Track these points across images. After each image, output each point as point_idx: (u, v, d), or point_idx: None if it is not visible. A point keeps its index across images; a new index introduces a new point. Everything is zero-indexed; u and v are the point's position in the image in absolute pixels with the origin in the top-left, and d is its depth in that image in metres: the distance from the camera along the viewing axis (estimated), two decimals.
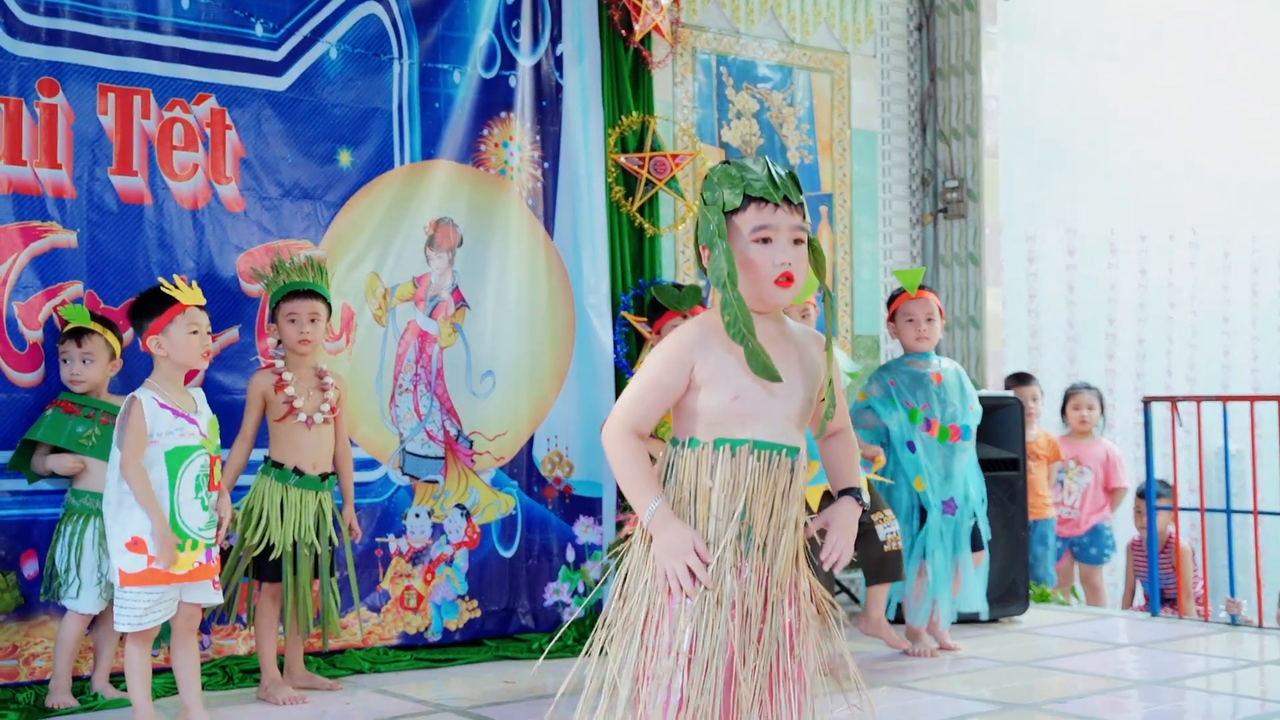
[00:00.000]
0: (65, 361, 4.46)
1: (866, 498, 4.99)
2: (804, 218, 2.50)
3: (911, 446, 5.23)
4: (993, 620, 5.99)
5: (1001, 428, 6.12)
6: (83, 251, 4.67)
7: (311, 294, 4.65)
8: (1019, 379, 7.03)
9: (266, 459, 4.61)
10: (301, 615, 4.58)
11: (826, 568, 2.52)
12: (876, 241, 6.94)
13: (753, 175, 2.46)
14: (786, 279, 2.47)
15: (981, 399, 6.07)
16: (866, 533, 5.03)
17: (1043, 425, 7.16)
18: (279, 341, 4.68)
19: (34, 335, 4.58)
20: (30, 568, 4.52)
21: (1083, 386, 7.27)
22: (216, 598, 4.08)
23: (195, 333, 3.99)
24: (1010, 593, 6.06)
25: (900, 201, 7.09)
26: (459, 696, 4.62)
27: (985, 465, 5.97)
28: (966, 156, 7.08)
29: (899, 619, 5.52)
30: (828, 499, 4.58)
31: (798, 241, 2.49)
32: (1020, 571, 6.07)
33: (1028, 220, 7.82)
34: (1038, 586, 6.68)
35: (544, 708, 4.36)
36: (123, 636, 4.06)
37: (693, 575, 2.39)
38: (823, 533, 2.55)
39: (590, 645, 2.47)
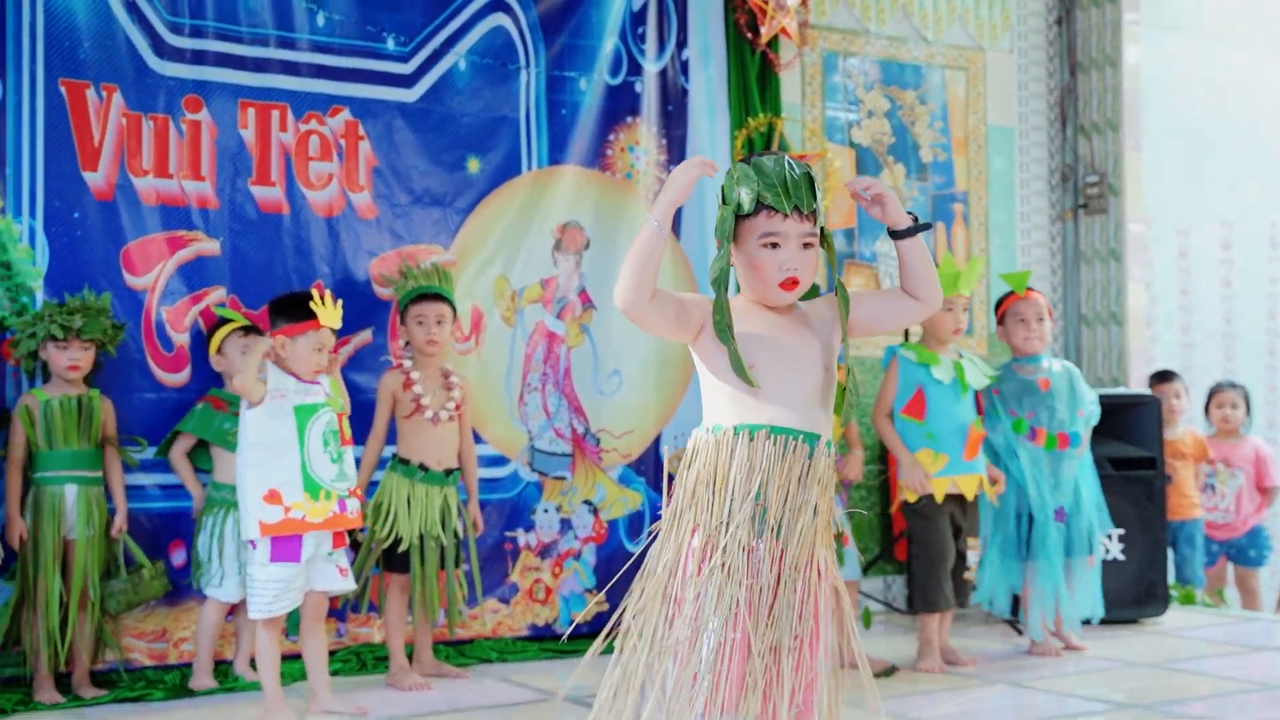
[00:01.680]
0: (223, 355, 4.72)
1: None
2: (815, 223, 2.57)
3: (1015, 455, 5.18)
4: (1131, 621, 5.90)
5: (1138, 426, 6.02)
6: (225, 259, 4.94)
7: (438, 297, 4.85)
8: (1161, 377, 6.88)
9: (394, 456, 4.83)
10: (429, 605, 4.78)
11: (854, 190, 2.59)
12: (1014, 238, 6.88)
13: (767, 181, 2.53)
14: (792, 282, 2.56)
15: (1117, 397, 6.00)
16: (928, 558, 4.99)
17: (1190, 424, 7.00)
18: (407, 343, 4.89)
19: (181, 338, 4.86)
20: (178, 556, 4.80)
21: (1226, 385, 7.08)
22: (345, 585, 4.28)
23: (319, 350, 4.21)
24: (1148, 594, 5.95)
25: (1039, 198, 7.01)
26: (579, 686, 4.75)
27: (1121, 464, 5.90)
28: (1108, 150, 6.97)
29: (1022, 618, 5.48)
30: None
31: (807, 246, 2.57)
32: (1159, 572, 5.96)
33: (1178, 214, 7.64)
34: (1183, 588, 6.54)
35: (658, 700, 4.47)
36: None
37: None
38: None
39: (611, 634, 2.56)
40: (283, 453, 4.12)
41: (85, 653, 4.52)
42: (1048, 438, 5.20)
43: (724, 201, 2.61)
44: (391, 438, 4.86)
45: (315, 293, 4.22)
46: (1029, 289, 5.31)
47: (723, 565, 2.47)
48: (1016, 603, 5.45)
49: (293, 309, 4.23)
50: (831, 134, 6.35)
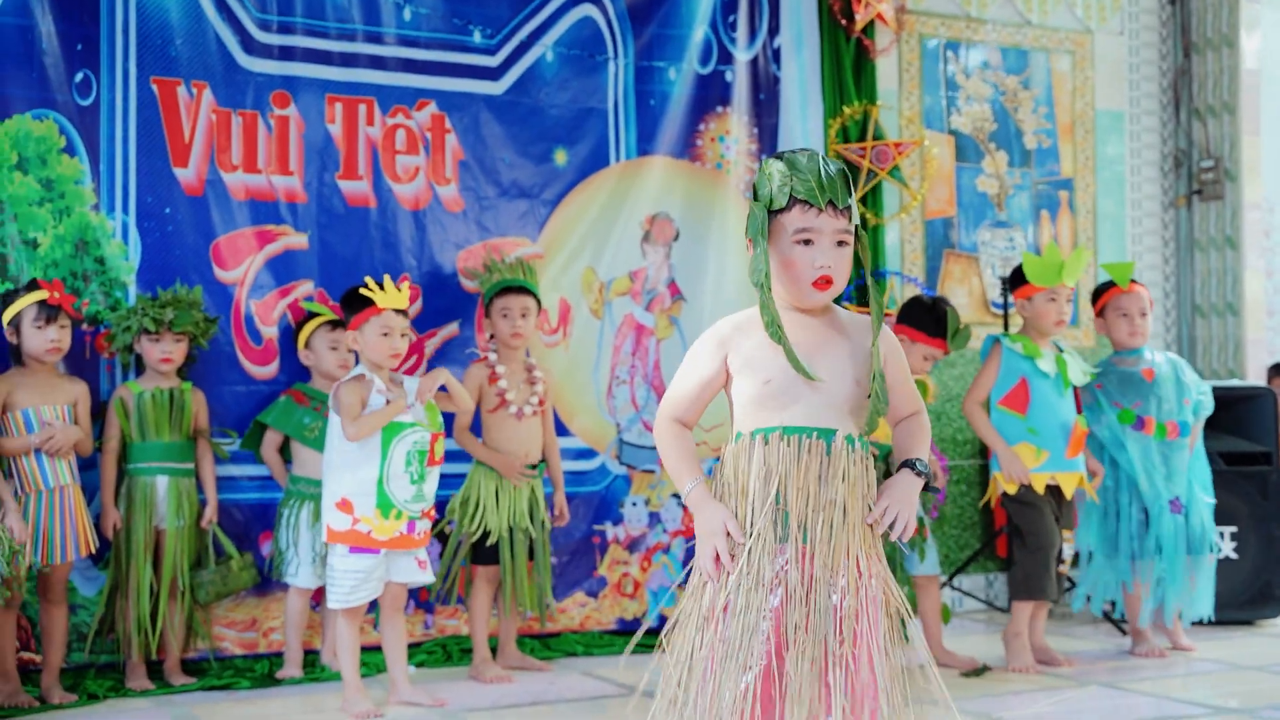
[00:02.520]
0: (310, 350, 4.77)
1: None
2: (850, 219, 2.48)
3: (1123, 448, 5.01)
4: (1244, 623, 5.69)
5: (1252, 420, 5.80)
6: (313, 252, 4.99)
7: (523, 290, 4.85)
8: (1278, 369, 6.62)
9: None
10: (519, 597, 4.79)
11: (878, 533, 2.49)
12: (1123, 226, 6.67)
13: (801, 176, 2.45)
14: (825, 281, 2.47)
15: (1230, 389, 5.79)
16: (1036, 545, 4.84)
17: None
18: (492, 336, 4.90)
19: (269, 331, 4.92)
20: (268, 548, 4.86)
21: None
22: (423, 577, 4.29)
23: (386, 335, 4.21)
24: (1263, 594, 5.72)
25: (1150, 184, 6.78)
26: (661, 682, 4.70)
27: (1234, 459, 5.69)
28: (1224, 134, 6.72)
29: (1124, 617, 5.31)
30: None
31: (841, 244, 2.48)
32: (1274, 572, 5.72)
33: None
34: None
35: None
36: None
37: (719, 558, 2.42)
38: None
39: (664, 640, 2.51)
40: (361, 465, 4.14)
41: (176, 641, 4.60)
42: (1157, 426, 5.01)
43: (755, 198, 2.53)
44: (476, 430, 4.86)
45: (369, 280, 4.24)
46: (1133, 281, 5.14)
47: (748, 571, 2.41)
48: (1117, 602, 5.28)
49: (353, 301, 4.27)
50: (930, 121, 6.21)
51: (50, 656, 4.39)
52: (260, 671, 4.72)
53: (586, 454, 5.37)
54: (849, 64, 5.89)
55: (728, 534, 2.43)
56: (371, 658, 4.69)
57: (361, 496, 4.14)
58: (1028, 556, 4.83)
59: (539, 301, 4.94)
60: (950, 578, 5.94)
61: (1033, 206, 6.42)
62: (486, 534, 4.75)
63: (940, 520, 6.01)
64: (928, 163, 6.05)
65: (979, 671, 4.69)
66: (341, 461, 4.16)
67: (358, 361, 4.38)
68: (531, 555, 4.83)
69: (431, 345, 5.14)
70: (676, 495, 5.49)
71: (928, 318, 4.91)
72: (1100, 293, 5.19)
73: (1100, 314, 5.18)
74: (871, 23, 5.91)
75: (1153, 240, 6.78)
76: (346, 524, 4.12)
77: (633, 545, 5.43)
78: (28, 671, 4.45)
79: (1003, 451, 4.79)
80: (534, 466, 4.85)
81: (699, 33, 5.61)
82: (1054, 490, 4.85)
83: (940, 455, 5.81)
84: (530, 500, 4.84)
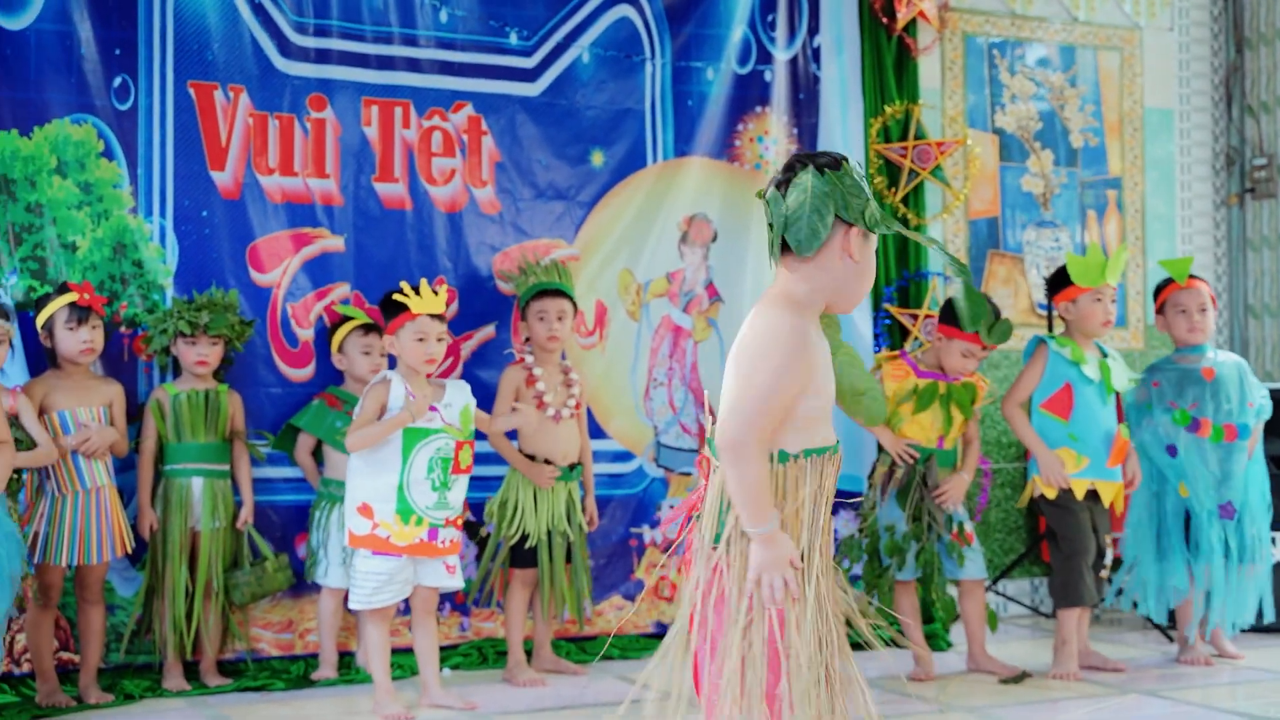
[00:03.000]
0: (343, 354, 4.78)
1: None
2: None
3: (1172, 450, 4.91)
4: None
5: None
6: (350, 255, 5.00)
7: (559, 293, 4.84)
8: None
9: (518, 451, 4.82)
10: (557, 600, 4.80)
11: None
12: (1173, 226, 6.55)
13: (874, 204, 2.49)
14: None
15: None
16: (1070, 550, 4.76)
17: None
18: (528, 339, 4.89)
19: (305, 334, 4.93)
20: (304, 549, 4.87)
21: None
22: (452, 582, 4.28)
23: (421, 340, 4.21)
24: None
25: (1201, 183, 6.66)
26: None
27: None
28: (1277, 131, 6.58)
29: (1172, 624, 5.21)
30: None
31: None
32: None
33: None
34: None
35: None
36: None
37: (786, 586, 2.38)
38: None
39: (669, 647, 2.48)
40: (382, 471, 4.15)
41: (211, 642, 4.62)
42: (1214, 429, 4.91)
43: (843, 208, 2.46)
44: (513, 434, 4.85)
45: (404, 285, 4.23)
46: (1191, 277, 5.04)
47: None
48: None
49: (388, 307, 4.27)
50: (974, 120, 6.13)
51: (87, 656, 4.43)
52: (296, 673, 4.73)
53: (624, 456, 5.34)
54: (890, 63, 5.83)
55: (791, 563, 2.39)
56: (405, 660, 4.69)
57: (381, 502, 4.14)
58: (1062, 562, 4.75)
59: (575, 304, 4.92)
60: (993, 582, 5.86)
61: (1079, 206, 6.33)
62: (525, 537, 4.75)
63: (984, 525, 5.94)
64: (971, 162, 5.97)
65: (1018, 679, 4.62)
66: (363, 466, 4.16)
67: (392, 365, 4.38)
68: (569, 558, 4.82)
69: (468, 348, 5.14)
70: None
71: (952, 311, 4.83)
72: (1160, 290, 5.10)
73: (1160, 311, 5.09)
74: (914, 21, 5.84)
75: (1204, 240, 6.65)
76: (367, 528, 4.12)
77: (670, 548, 5.39)
78: (67, 671, 4.49)
79: (1042, 454, 4.71)
80: (571, 469, 4.83)
81: (737, 32, 5.57)
82: (1093, 494, 4.77)
83: (983, 459, 5.74)
84: (567, 503, 4.83)
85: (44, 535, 4.26)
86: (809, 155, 2.51)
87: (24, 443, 4.18)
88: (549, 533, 4.77)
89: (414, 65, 5.11)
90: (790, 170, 2.50)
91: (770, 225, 2.52)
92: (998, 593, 5.99)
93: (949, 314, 4.84)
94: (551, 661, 4.88)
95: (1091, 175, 6.36)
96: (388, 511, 4.13)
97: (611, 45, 5.40)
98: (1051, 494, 4.74)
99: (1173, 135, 6.57)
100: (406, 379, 4.23)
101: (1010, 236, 6.19)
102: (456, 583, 4.30)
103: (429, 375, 4.34)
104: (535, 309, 4.85)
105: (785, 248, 2.49)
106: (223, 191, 4.85)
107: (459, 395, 4.29)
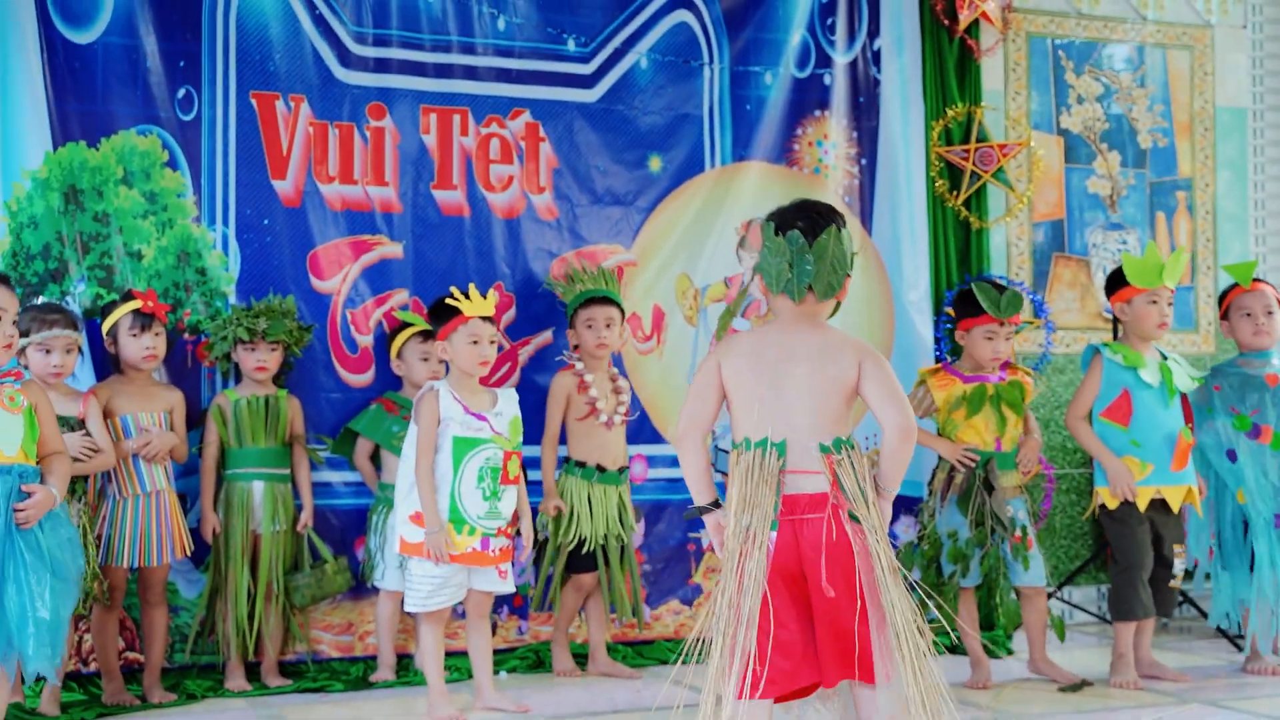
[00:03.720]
0: (402, 360, 4.84)
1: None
2: None
3: (1232, 455, 4.82)
4: None
5: None
6: (408, 261, 5.06)
7: (607, 300, 4.88)
8: None
9: (568, 459, 4.89)
10: (619, 603, 4.88)
11: None
12: (1245, 228, 6.43)
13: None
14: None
15: None
16: (1125, 563, 4.69)
17: None
18: (576, 346, 4.93)
19: (365, 340, 5.00)
20: (363, 553, 4.93)
21: None
22: (505, 587, 4.31)
23: (475, 343, 4.25)
24: None
25: (1275, 183, 6.52)
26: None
27: None
28: None
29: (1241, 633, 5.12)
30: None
31: None
32: None
33: None
34: None
35: (829, 706, 4.35)
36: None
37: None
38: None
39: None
40: (435, 481, 4.19)
41: (273, 643, 4.69)
42: (1275, 436, 4.81)
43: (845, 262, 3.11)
44: (563, 439, 4.90)
45: (455, 290, 4.27)
46: (1256, 280, 4.96)
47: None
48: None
49: (442, 311, 4.30)
50: (1038, 122, 6.06)
51: (151, 656, 4.52)
52: (355, 674, 4.79)
53: None
54: (952, 65, 5.78)
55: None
56: (461, 663, 4.73)
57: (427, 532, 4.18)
58: (1117, 575, 4.70)
59: (623, 311, 4.97)
60: (1057, 589, 5.79)
61: (1148, 208, 6.23)
62: (581, 542, 4.79)
63: (1049, 530, 5.85)
64: (1035, 164, 5.90)
65: (1076, 687, 4.56)
66: (414, 477, 4.21)
67: (448, 371, 4.43)
68: (623, 560, 4.88)
69: (525, 353, 5.18)
70: None
71: (964, 301, 4.83)
72: (1225, 294, 5.02)
73: (1225, 316, 5.00)
74: (976, 22, 5.80)
75: (1278, 241, 6.52)
76: (419, 537, 4.16)
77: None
78: (132, 670, 4.58)
79: (1110, 464, 4.65)
80: (622, 471, 4.89)
81: (796, 36, 5.56)
82: (1160, 502, 4.69)
83: (1047, 465, 5.68)
84: (619, 506, 4.88)
85: (106, 537, 4.35)
86: (827, 209, 3.12)
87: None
88: (605, 536, 4.82)
89: (472, 73, 5.17)
90: (812, 219, 3.06)
91: (791, 263, 3.04)
92: (1063, 600, 5.92)
93: (959, 308, 4.86)
94: (607, 665, 4.91)
95: (1161, 176, 6.26)
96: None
97: (670, 50, 5.42)
98: (1113, 505, 4.67)
99: (1245, 135, 6.45)
100: (458, 386, 4.26)
101: (1076, 239, 6.11)
102: (509, 587, 4.33)
103: (483, 381, 4.38)
104: (583, 316, 4.91)
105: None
106: (284, 200, 4.93)
107: (509, 405, 4.32)
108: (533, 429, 4.71)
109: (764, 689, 2.92)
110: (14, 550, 3.36)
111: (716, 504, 3.09)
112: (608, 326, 4.87)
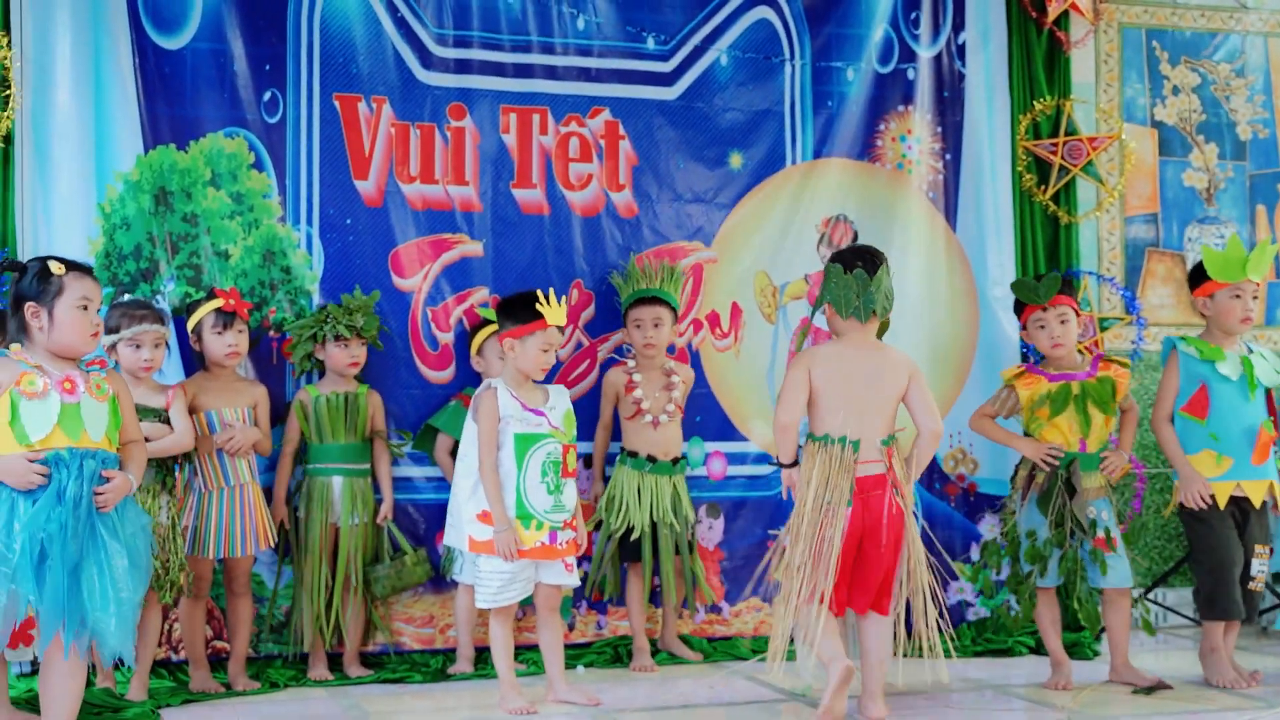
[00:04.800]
0: (482, 356, 4.91)
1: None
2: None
3: None
4: None
5: None
6: (488, 260, 5.12)
7: (656, 300, 4.93)
8: None
9: (622, 449, 4.98)
10: (666, 592, 4.96)
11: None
12: None
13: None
14: None
15: None
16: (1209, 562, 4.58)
17: None
18: (628, 345, 5.01)
19: (445, 337, 5.07)
20: (443, 547, 5.00)
21: None
22: (571, 580, 4.35)
23: (546, 351, 4.29)
24: None
25: None
26: (822, 688, 4.62)
27: None
28: None
29: None
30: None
31: None
32: None
33: None
34: None
35: (903, 704, 4.32)
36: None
37: None
38: None
39: None
40: (501, 478, 4.23)
41: (353, 634, 4.79)
42: None
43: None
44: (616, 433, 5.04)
45: (540, 293, 4.31)
46: None
47: None
48: None
49: (519, 310, 4.33)
50: (1131, 114, 5.94)
51: (236, 645, 4.64)
52: (434, 666, 4.87)
53: (762, 458, 5.34)
54: (1040, 57, 5.70)
55: None
56: (538, 656, 4.77)
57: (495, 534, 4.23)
58: (1203, 575, 4.60)
59: (675, 310, 5.04)
60: (1146, 591, 5.67)
61: (1247, 201, 6.07)
62: (630, 530, 4.89)
63: (1139, 530, 5.71)
64: (1126, 157, 5.79)
65: (1151, 689, 4.47)
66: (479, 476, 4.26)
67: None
68: (678, 550, 4.95)
69: (604, 350, 5.21)
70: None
71: (1015, 303, 4.85)
72: None
73: None
74: (1065, 14, 5.70)
75: None
76: (487, 534, 4.21)
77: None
78: (220, 659, 4.71)
79: (1184, 472, 4.57)
80: (675, 462, 4.97)
81: (879, 31, 5.52)
82: (1242, 499, 4.59)
83: (1138, 464, 5.57)
84: (673, 497, 4.95)
85: (192, 529, 4.48)
86: (877, 252, 4.20)
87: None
88: (654, 525, 4.90)
89: (551, 72, 5.21)
90: (869, 260, 4.14)
91: (858, 294, 4.10)
92: (1155, 602, 5.80)
93: (1015, 309, 4.87)
94: (674, 646, 5.03)
95: (1261, 169, 6.10)
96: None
97: (750, 47, 5.41)
98: (1191, 505, 4.59)
99: None
100: (515, 384, 4.30)
101: (1170, 234, 5.98)
102: (575, 580, 4.37)
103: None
104: (633, 316, 4.98)
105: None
106: (366, 200, 5.02)
107: (561, 400, 4.37)
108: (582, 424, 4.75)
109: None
110: (94, 533, 3.46)
111: (795, 463, 4.15)
112: (655, 326, 4.94)
